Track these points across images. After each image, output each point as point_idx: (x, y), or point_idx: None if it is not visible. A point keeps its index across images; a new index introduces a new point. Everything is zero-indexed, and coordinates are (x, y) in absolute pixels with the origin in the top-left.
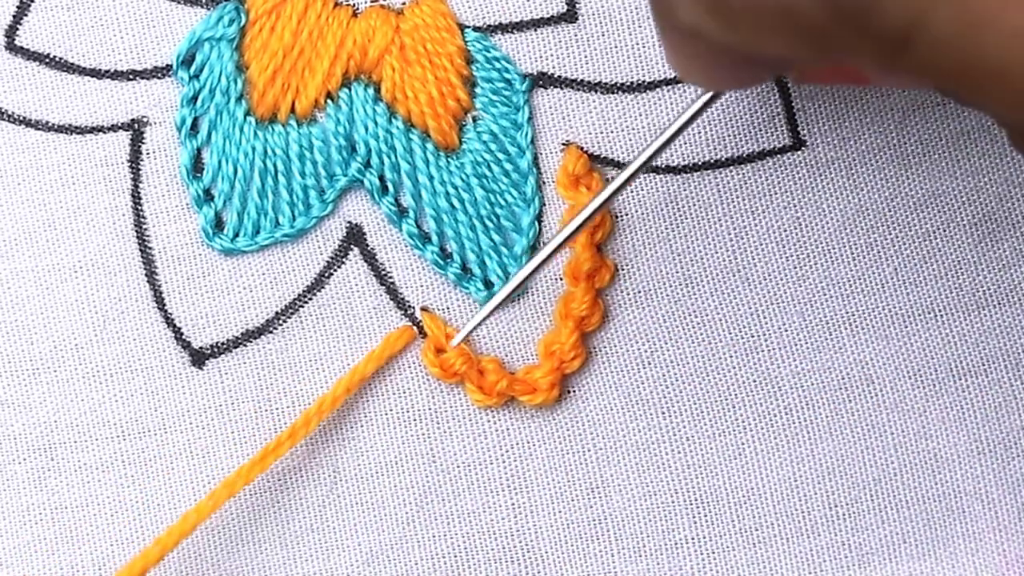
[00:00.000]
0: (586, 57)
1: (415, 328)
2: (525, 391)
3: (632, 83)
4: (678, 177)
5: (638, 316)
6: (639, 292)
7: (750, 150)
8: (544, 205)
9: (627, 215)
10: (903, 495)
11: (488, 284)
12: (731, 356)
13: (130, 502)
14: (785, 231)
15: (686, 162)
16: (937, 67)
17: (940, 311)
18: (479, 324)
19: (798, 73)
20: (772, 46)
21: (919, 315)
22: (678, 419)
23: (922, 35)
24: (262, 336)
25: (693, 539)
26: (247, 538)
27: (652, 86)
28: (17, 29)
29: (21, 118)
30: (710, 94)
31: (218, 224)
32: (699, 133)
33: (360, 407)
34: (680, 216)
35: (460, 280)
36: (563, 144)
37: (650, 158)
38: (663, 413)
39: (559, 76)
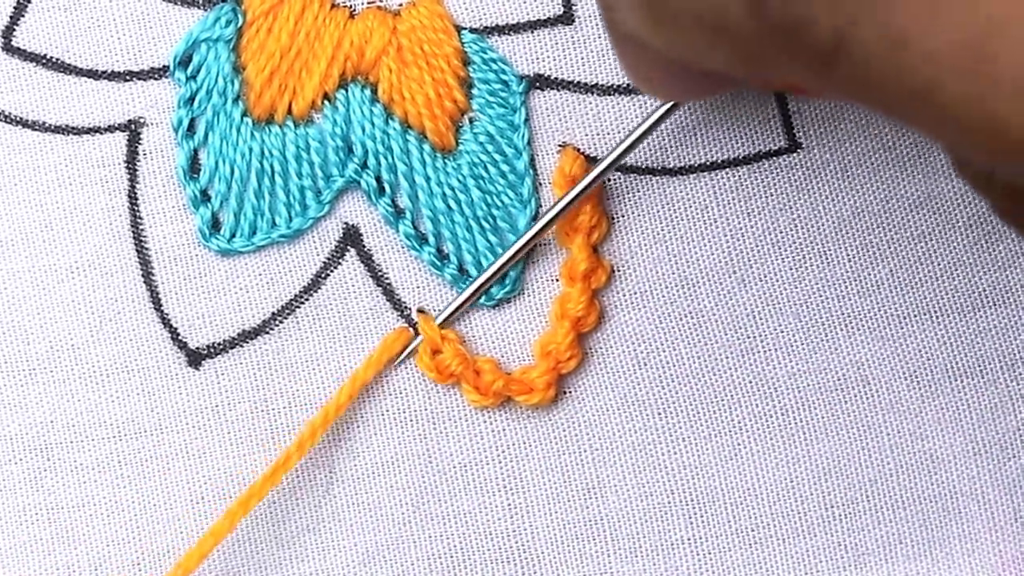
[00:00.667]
0: (583, 59)
1: (411, 330)
2: (521, 391)
3: (628, 85)
4: (674, 179)
5: (634, 317)
6: (635, 293)
7: (746, 152)
8: (541, 206)
9: (623, 216)
10: (899, 496)
11: None
12: (727, 357)
13: (127, 502)
14: (781, 233)
15: (682, 164)
16: (863, 85)
17: (936, 312)
18: (466, 303)
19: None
20: (710, 60)
21: (915, 316)
22: (674, 420)
23: (848, 52)
24: (259, 337)
25: (689, 540)
26: (244, 538)
27: None
28: (14, 30)
29: (18, 119)
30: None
31: (215, 225)
32: (694, 135)
33: (356, 408)
34: (676, 218)
35: (457, 281)
36: (559, 145)
37: (631, 146)
38: (659, 414)
39: (556, 78)
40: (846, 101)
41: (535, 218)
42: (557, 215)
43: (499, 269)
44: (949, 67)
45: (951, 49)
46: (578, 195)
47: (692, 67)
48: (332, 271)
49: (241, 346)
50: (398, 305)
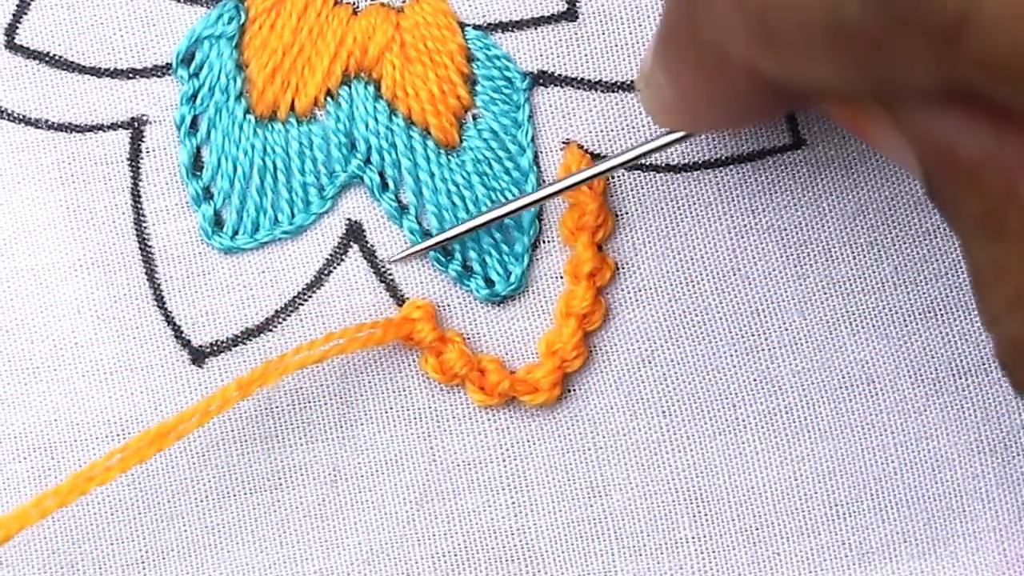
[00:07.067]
0: (586, 55)
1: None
2: (527, 391)
3: (632, 81)
4: (678, 176)
5: (638, 315)
6: (639, 291)
7: (750, 149)
8: (545, 203)
9: (627, 214)
10: (903, 494)
11: (489, 282)
12: (731, 355)
13: (131, 500)
14: (785, 230)
15: (686, 161)
16: (991, 57)
17: (941, 310)
18: (423, 250)
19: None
20: (817, 70)
21: (919, 314)
22: (678, 418)
23: (976, 20)
24: (262, 334)
25: (693, 538)
26: (246, 537)
27: None
28: (17, 27)
29: (21, 116)
30: None
31: (217, 222)
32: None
33: (360, 405)
34: (680, 215)
35: (461, 278)
36: (563, 142)
37: (632, 159)
38: (663, 412)
39: (559, 74)
40: (922, 149)
41: (539, 215)
42: (548, 196)
43: (469, 230)
44: None
45: None
46: (578, 182)
47: (787, 86)
48: (335, 268)
49: (244, 344)
50: (401, 301)
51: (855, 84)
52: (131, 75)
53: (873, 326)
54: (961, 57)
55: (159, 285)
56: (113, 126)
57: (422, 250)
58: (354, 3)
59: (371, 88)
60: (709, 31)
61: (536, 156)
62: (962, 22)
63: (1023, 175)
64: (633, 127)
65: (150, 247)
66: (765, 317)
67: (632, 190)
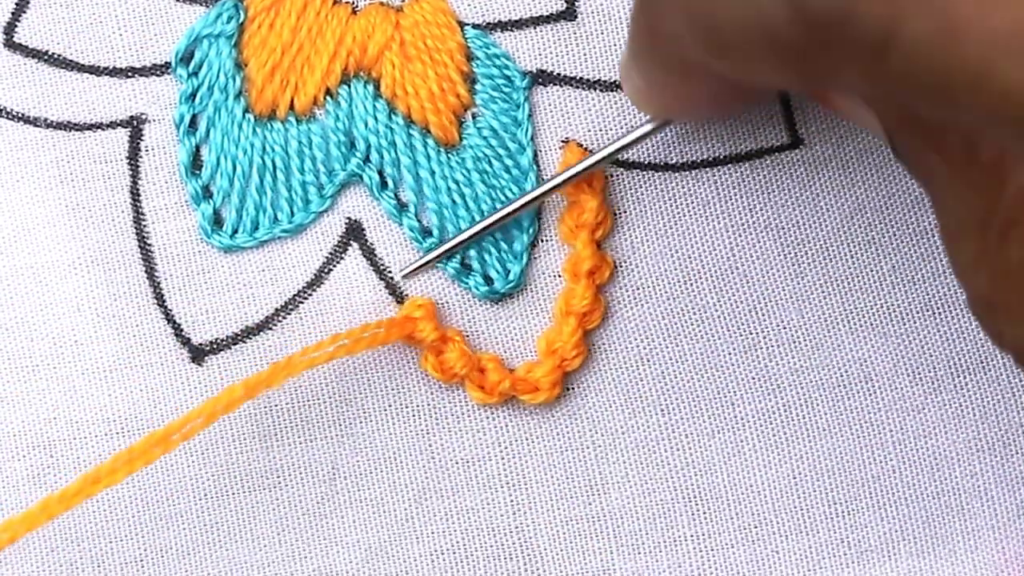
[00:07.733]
0: (585, 55)
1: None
2: (527, 390)
3: None
4: (677, 175)
5: (637, 313)
6: (638, 289)
7: (748, 148)
8: (544, 201)
9: (626, 212)
10: (902, 492)
11: (488, 280)
12: (730, 353)
13: (129, 499)
14: (783, 228)
15: (684, 160)
16: (914, 76)
17: (939, 308)
18: (432, 260)
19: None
20: (762, 73)
21: (918, 312)
22: (677, 416)
23: (898, 43)
24: (261, 332)
25: (692, 536)
26: (245, 536)
27: None
28: (16, 26)
29: (20, 115)
30: None
31: (217, 221)
32: (697, 131)
33: (359, 404)
34: (679, 213)
35: (459, 276)
36: (562, 141)
37: (620, 149)
38: (663, 410)
39: (558, 73)
40: (881, 100)
41: (538, 214)
42: (540, 196)
43: (475, 234)
44: (1007, 50)
45: (1009, 32)
46: (571, 177)
47: (743, 83)
48: (335, 266)
49: (244, 342)
50: (401, 299)
51: (800, 86)
52: (130, 74)
53: (871, 324)
54: (888, 74)
55: (159, 283)
56: (112, 124)
57: (430, 261)
58: (353, 2)
59: (370, 87)
60: (668, 38)
61: (536, 154)
62: (886, 42)
63: (981, 135)
64: (632, 126)
65: (150, 246)
66: (764, 315)
67: (631, 188)
